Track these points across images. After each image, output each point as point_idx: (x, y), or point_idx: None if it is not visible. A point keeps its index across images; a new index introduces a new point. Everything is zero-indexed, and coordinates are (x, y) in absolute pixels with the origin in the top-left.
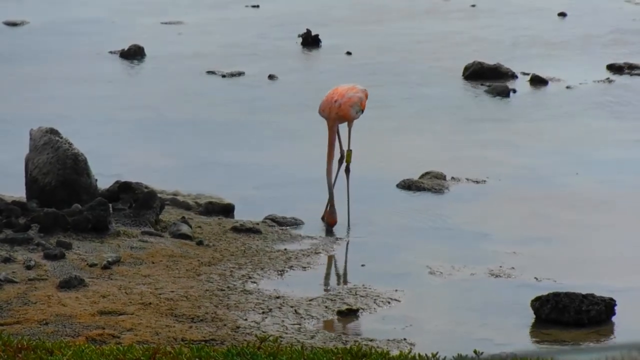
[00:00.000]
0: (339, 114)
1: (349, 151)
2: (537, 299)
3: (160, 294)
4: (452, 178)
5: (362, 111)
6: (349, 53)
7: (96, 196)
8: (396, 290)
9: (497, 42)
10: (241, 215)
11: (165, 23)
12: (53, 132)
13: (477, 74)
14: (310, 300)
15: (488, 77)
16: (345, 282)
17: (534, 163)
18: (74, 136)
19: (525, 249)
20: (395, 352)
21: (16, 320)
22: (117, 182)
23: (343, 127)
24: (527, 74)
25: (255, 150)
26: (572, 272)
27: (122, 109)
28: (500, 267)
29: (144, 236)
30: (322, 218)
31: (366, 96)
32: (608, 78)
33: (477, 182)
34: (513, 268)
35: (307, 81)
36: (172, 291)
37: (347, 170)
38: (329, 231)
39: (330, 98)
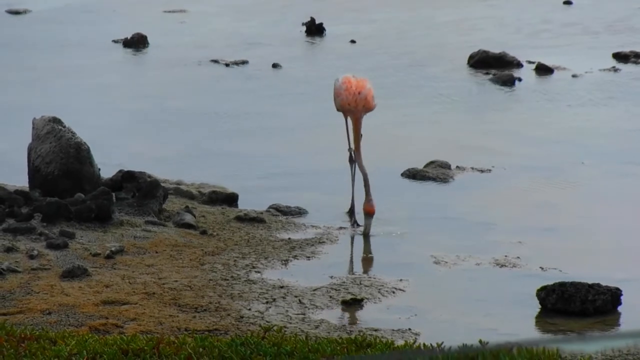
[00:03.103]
0: (365, 107)
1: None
2: (543, 288)
3: (163, 284)
4: (457, 167)
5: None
6: (353, 41)
7: (99, 185)
8: (401, 280)
9: (502, 31)
10: (245, 205)
11: (169, 11)
12: (56, 121)
13: (482, 62)
14: (314, 290)
15: (493, 65)
16: (350, 271)
17: (539, 152)
18: (77, 125)
19: (530, 239)
20: (400, 342)
21: (19, 310)
22: (120, 171)
23: (339, 121)
24: (533, 63)
25: (259, 140)
26: (578, 261)
27: (125, 98)
28: (506, 256)
29: (147, 225)
30: (348, 211)
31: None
32: (614, 67)
33: (482, 171)
34: (518, 258)
35: (311, 70)
36: (176, 281)
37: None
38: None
39: (351, 90)
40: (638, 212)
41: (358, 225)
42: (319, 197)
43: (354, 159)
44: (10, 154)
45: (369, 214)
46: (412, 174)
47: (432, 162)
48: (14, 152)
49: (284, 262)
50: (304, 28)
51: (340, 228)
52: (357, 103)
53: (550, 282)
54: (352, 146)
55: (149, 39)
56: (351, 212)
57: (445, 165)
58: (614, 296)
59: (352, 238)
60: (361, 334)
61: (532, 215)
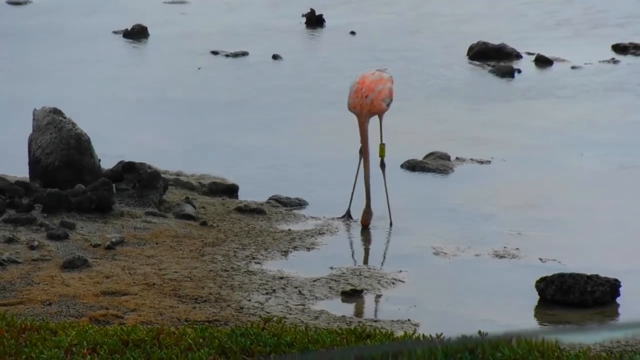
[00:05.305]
0: (371, 111)
1: (382, 145)
2: (542, 279)
3: (164, 275)
4: (457, 158)
5: (392, 100)
6: (352, 33)
7: (100, 176)
8: (400, 271)
9: (502, 22)
10: (245, 196)
11: (169, 2)
12: (56, 112)
13: (482, 54)
14: (314, 280)
15: (493, 57)
16: (350, 262)
17: (538, 143)
18: (77, 116)
19: (530, 230)
20: (399, 333)
21: (20, 300)
22: (120, 162)
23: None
24: (532, 54)
25: (260, 131)
26: (576, 253)
27: (126, 89)
28: (505, 248)
29: (147, 216)
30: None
31: (392, 83)
32: (613, 58)
33: (482, 162)
34: (518, 249)
35: (311, 61)
36: (176, 272)
37: (383, 165)
38: (358, 226)
39: (359, 93)
40: (637, 204)
41: (350, 218)
42: (319, 188)
43: (366, 168)
44: (10, 145)
45: (363, 226)
46: (412, 166)
47: (431, 154)
48: (15, 143)
49: (283, 253)
50: (304, 19)
51: (340, 219)
52: (362, 107)
53: (550, 274)
54: (378, 149)
55: (149, 30)
56: (348, 213)
57: (445, 157)
58: (612, 287)
59: (352, 229)
60: (361, 324)
61: (532, 207)
